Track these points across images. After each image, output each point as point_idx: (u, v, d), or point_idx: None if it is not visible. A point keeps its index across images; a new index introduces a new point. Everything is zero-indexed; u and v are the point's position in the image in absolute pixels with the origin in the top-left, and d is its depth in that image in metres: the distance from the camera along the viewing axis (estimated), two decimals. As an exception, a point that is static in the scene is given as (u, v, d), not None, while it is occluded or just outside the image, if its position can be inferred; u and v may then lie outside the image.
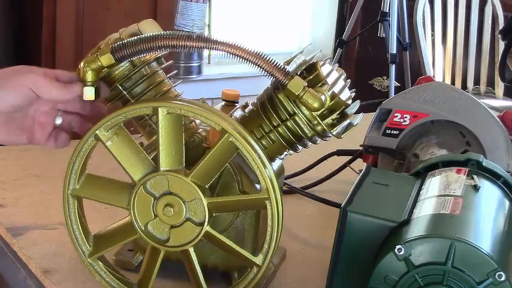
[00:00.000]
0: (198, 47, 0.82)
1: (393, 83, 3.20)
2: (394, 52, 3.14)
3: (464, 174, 0.84)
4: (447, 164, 0.88)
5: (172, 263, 0.89)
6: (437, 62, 3.29)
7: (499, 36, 2.57)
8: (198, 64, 3.32)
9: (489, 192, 0.83)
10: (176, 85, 0.96)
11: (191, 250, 0.84)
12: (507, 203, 0.84)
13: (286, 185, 1.20)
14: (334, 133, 0.87)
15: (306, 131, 0.87)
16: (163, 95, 0.92)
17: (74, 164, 0.85)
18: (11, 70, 0.89)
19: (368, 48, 3.94)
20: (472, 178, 0.83)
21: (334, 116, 0.87)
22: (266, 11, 3.96)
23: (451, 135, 1.09)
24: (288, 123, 0.87)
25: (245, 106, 0.93)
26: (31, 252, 0.97)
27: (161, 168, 0.83)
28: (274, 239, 0.82)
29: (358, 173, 0.92)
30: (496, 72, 3.23)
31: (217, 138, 0.82)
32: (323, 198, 1.18)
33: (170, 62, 0.96)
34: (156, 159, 0.84)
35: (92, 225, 0.90)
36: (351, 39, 3.40)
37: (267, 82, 0.90)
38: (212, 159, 0.82)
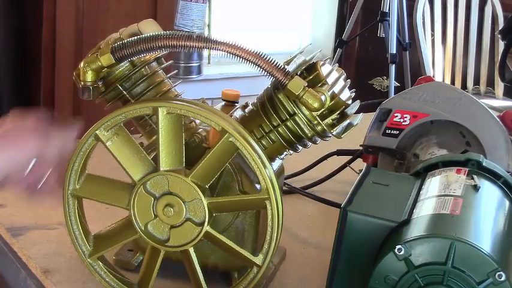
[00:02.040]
0: (198, 47, 0.82)
1: (393, 83, 3.20)
2: (394, 52, 3.14)
3: (464, 174, 0.84)
4: (447, 164, 0.88)
5: (172, 263, 0.89)
6: (437, 62, 3.29)
7: (499, 36, 2.56)
8: (198, 64, 3.32)
9: (489, 192, 0.84)
10: (176, 85, 0.96)
11: (191, 250, 0.84)
12: (507, 203, 0.84)
13: (286, 185, 1.20)
14: (334, 133, 0.87)
15: (306, 131, 0.87)
16: (163, 95, 0.92)
17: (74, 164, 0.85)
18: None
19: (368, 48, 3.93)
20: (472, 178, 0.83)
21: (334, 116, 0.87)
22: (266, 11, 3.96)
23: (451, 135, 1.09)
24: (288, 123, 0.87)
25: (245, 106, 0.93)
26: (31, 252, 0.97)
27: (161, 168, 0.83)
28: (274, 239, 0.82)
29: (358, 173, 0.92)
30: (496, 72, 3.23)
31: (218, 138, 0.82)
32: (323, 198, 1.18)
33: (170, 62, 0.96)
34: (156, 159, 0.84)
35: (92, 225, 0.90)
36: (351, 39, 3.40)
37: (267, 82, 0.90)
38: (212, 159, 0.82)
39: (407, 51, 3.31)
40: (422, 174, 0.88)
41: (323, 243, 1.05)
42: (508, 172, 0.95)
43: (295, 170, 1.28)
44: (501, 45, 2.23)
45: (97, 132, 0.84)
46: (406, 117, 1.10)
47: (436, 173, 0.87)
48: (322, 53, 0.90)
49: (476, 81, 3.42)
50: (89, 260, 0.87)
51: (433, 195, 0.80)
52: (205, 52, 3.36)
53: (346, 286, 0.80)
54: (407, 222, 0.76)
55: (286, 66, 0.85)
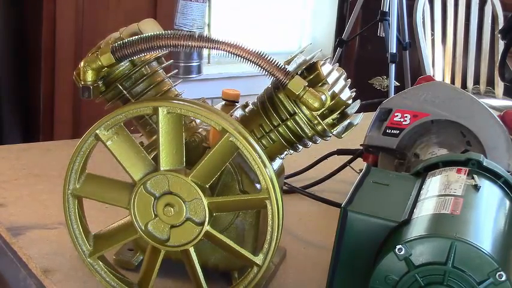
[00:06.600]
0: (199, 46, 0.82)
1: (393, 83, 3.21)
2: (394, 51, 3.14)
3: (465, 174, 0.84)
4: (447, 163, 0.88)
5: (172, 262, 0.89)
6: (437, 61, 3.29)
7: (499, 35, 2.57)
8: (197, 63, 3.33)
9: (490, 192, 0.83)
10: (176, 85, 0.96)
11: (191, 250, 0.84)
12: (507, 202, 0.84)
13: (286, 185, 1.20)
14: (334, 133, 0.87)
15: (307, 130, 0.87)
16: (163, 94, 0.92)
17: (74, 164, 0.85)
18: None
19: (368, 47, 3.94)
20: (473, 178, 0.83)
21: (335, 115, 0.87)
22: (266, 11, 3.96)
23: (451, 134, 1.09)
24: (289, 123, 0.87)
25: (245, 106, 0.93)
26: (31, 251, 0.97)
27: (161, 168, 0.83)
28: (275, 239, 0.82)
29: (358, 173, 0.92)
30: (496, 72, 3.23)
31: (218, 138, 0.82)
32: (323, 198, 1.18)
33: (170, 61, 0.96)
34: (156, 159, 0.84)
35: (92, 224, 0.90)
36: (351, 39, 3.40)
37: (267, 82, 0.90)
38: (212, 159, 0.82)
39: (407, 51, 3.32)
40: (422, 174, 0.88)
41: (323, 243, 1.05)
42: (509, 172, 0.95)
43: (296, 170, 1.28)
44: (501, 45, 2.24)
45: (97, 131, 0.84)
46: (406, 116, 1.10)
47: (437, 172, 0.87)
48: (322, 52, 0.90)
49: (476, 81, 3.42)
50: (89, 259, 0.87)
51: (433, 195, 0.80)
52: (205, 52, 3.36)
53: (346, 286, 0.80)
54: (407, 222, 0.76)
55: (286, 66, 0.85)
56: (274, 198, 0.81)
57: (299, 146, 0.90)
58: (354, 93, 0.91)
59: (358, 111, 0.90)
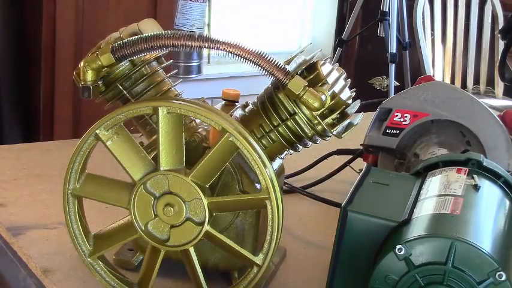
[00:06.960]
0: (199, 46, 0.82)
1: (393, 83, 3.21)
2: (394, 51, 3.14)
3: (465, 173, 0.84)
4: (447, 163, 0.88)
5: (172, 262, 0.89)
6: (437, 61, 3.29)
7: (499, 35, 2.57)
8: (197, 63, 3.33)
9: (489, 192, 0.83)
10: (176, 84, 0.96)
11: (191, 250, 0.84)
12: (507, 202, 0.84)
13: (286, 185, 1.20)
14: (334, 133, 0.87)
15: (307, 130, 0.87)
16: (163, 94, 0.92)
17: (74, 164, 0.85)
18: None
19: (368, 47, 3.94)
20: (473, 178, 0.83)
21: (335, 115, 0.87)
22: (266, 11, 3.96)
23: (451, 134, 1.09)
24: (288, 123, 0.87)
25: (245, 106, 0.93)
26: (31, 251, 0.97)
27: (161, 168, 0.83)
28: (275, 239, 0.82)
29: (358, 173, 0.92)
30: (496, 72, 3.23)
31: (218, 138, 0.82)
32: (323, 198, 1.18)
33: (170, 61, 0.96)
34: (156, 159, 0.84)
35: (92, 224, 0.90)
36: (351, 39, 3.40)
37: (267, 81, 0.90)
38: (212, 158, 0.82)
39: (407, 51, 3.32)
40: (422, 174, 0.88)
41: (323, 243, 1.05)
42: (508, 172, 0.95)
43: (296, 170, 1.28)
44: (501, 45, 2.24)
45: (97, 131, 0.84)
46: (406, 116, 1.10)
47: (437, 172, 0.87)
48: (322, 52, 0.90)
49: (476, 81, 3.42)
50: (89, 259, 0.87)
51: (433, 194, 0.80)
52: (205, 51, 3.36)
53: (346, 286, 0.80)
54: (407, 221, 0.76)
55: (286, 66, 0.85)
56: (274, 198, 0.81)
57: (299, 146, 0.90)
58: (354, 93, 0.91)
59: (358, 111, 0.90)
